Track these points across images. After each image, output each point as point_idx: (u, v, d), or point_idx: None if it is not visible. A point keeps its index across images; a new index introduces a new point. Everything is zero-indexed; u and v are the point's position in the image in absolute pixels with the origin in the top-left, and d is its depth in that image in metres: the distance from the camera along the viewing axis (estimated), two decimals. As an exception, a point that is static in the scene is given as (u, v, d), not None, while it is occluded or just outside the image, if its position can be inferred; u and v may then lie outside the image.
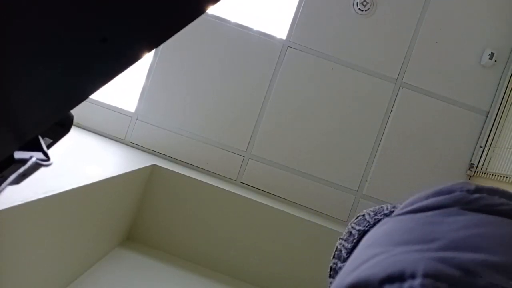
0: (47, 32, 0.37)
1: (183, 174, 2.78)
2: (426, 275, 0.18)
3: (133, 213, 2.69)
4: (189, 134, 3.21)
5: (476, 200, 0.24)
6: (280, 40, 3.18)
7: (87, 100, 0.49)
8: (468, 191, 0.25)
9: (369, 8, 3.12)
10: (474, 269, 0.19)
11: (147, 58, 3.22)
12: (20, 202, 1.17)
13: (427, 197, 0.26)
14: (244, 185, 3.17)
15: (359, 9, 3.12)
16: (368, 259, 0.22)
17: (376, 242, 0.24)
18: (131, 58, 0.43)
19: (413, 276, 0.19)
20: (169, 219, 2.74)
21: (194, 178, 2.77)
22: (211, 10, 3.16)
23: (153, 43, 0.43)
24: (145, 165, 2.59)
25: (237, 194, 2.78)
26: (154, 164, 2.74)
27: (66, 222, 1.60)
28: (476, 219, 0.23)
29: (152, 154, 3.18)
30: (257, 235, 2.74)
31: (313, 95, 3.17)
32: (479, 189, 0.25)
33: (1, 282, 1.24)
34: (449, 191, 0.26)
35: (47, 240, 1.48)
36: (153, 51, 2.38)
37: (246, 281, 2.72)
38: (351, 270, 0.22)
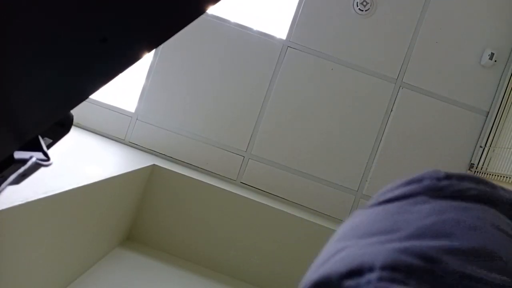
0: (47, 32, 0.37)
1: (183, 174, 2.78)
2: (384, 267, 0.18)
3: (133, 213, 2.69)
4: (189, 134, 3.21)
5: (445, 187, 0.24)
6: (280, 40, 3.18)
7: (87, 100, 0.49)
8: (437, 178, 0.25)
9: (369, 8, 3.12)
10: (433, 256, 0.18)
11: (147, 58, 3.22)
12: (20, 202, 1.17)
13: (398, 187, 0.26)
14: (244, 185, 3.17)
15: (359, 9, 3.12)
16: (334, 253, 0.22)
17: (344, 235, 0.24)
18: (131, 58, 0.43)
19: (371, 269, 0.18)
20: (169, 219, 2.74)
21: (194, 178, 2.77)
22: (211, 10, 3.16)
23: (153, 43, 0.43)
24: (145, 165, 2.59)
25: (237, 194, 2.78)
26: (154, 164, 2.74)
27: (66, 222, 1.60)
28: (443, 206, 0.22)
29: (152, 154, 3.18)
30: (257, 235, 2.74)
31: (313, 95, 3.17)
32: (448, 176, 0.25)
33: (1, 282, 1.24)
34: (418, 180, 0.25)
35: (47, 240, 1.48)
36: (153, 51, 2.38)
37: (246, 281, 2.72)
38: (318, 266, 0.21)
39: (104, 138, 3.16)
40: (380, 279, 0.17)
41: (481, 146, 3.10)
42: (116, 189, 2.13)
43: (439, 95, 3.13)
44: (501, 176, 2.77)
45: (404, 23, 3.14)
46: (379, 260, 0.19)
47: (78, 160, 2.03)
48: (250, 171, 3.18)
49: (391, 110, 3.15)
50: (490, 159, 3.00)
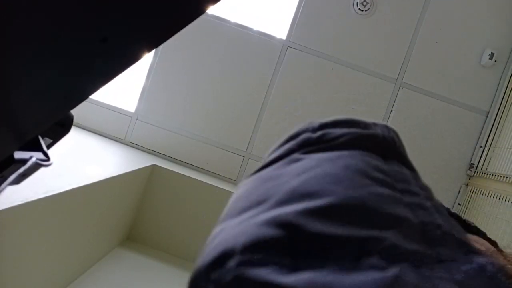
0: (47, 32, 0.37)
1: (183, 174, 2.78)
2: (244, 249, 0.16)
3: (133, 213, 2.68)
4: (189, 134, 3.21)
5: (319, 138, 0.22)
6: (280, 40, 3.18)
7: (87, 100, 0.49)
8: (312, 130, 0.23)
9: (369, 8, 3.11)
10: (295, 222, 0.16)
11: (147, 58, 3.22)
12: (20, 202, 1.17)
13: (278, 148, 0.23)
14: (244, 185, 3.17)
15: (359, 9, 3.12)
16: (212, 240, 0.19)
17: (224, 214, 0.22)
18: (131, 58, 0.43)
19: (231, 255, 0.16)
20: (169, 219, 2.74)
21: (194, 178, 2.77)
22: (211, 10, 3.16)
23: (153, 43, 0.43)
24: (145, 165, 2.59)
25: (237, 194, 2.78)
26: (154, 164, 2.74)
27: (66, 222, 1.60)
28: (313, 160, 0.20)
29: (152, 154, 3.18)
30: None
31: (313, 95, 3.17)
32: (322, 125, 0.23)
33: (2, 282, 1.24)
34: (295, 135, 0.23)
35: (47, 240, 1.48)
36: (153, 51, 2.38)
37: (246, 281, 2.72)
38: (198, 258, 0.20)
39: (104, 138, 3.16)
40: (240, 263, 0.16)
41: (481, 146, 3.10)
42: (116, 189, 2.13)
43: (439, 95, 3.13)
44: (501, 176, 2.77)
45: (404, 23, 3.13)
46: (240, 241, 0.17)
47: (78, 160, 2.03)
48: (250, 171, 3.18)
49: (391, 110, 3.15)
50: (490, 159, 3.00)
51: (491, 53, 3.04)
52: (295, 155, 0.22)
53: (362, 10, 3.12)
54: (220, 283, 0.16)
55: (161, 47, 3.15)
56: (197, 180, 2.77)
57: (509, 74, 3.08)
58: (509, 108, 3.01)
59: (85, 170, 1.86)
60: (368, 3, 3.11)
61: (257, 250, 0.16)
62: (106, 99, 3.23)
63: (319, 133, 0.22)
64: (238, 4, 3.24)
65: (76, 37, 0.38)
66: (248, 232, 0.17)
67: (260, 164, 0.24)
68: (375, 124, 0.23)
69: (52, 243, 1.54)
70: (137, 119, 3.23)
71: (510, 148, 2.83)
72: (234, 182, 3.17)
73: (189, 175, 2.79)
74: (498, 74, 3.12)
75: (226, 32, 3.20)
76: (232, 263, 0.16)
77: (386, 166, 0.21)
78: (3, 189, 0.49)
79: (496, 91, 3.12)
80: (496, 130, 3.06)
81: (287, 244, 0.16)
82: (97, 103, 3.21)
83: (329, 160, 0.20)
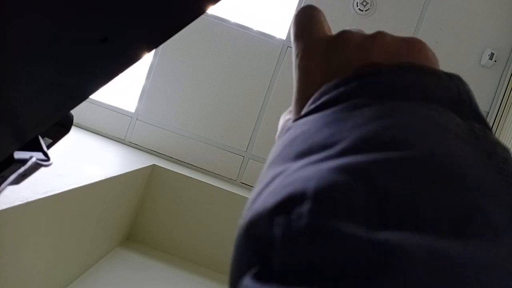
0: (47, 32, 0.37)
1: (183, 174, 2.78)
2: (317, 195, 0.14)
3: (133, 213, 2.69)
4: (189, 134, 3.21)
5: (387, 85, 0.20)
6: (280, 40, 3.18)
7: (87, 100, 0.49)
8: (378, 73, 0.20)
9: (369, 8, 3.12)
10: (376, 174, 0.15)
11: (147, 58, 3.22)
12: (20, 202, 1.17)
13: (335, 87, 0.21)
14: (244, 185, 3.17)
15: (359, 9, 3.12)
16: (267, 183, 0.18)
17: (277, 157, 0.20)
18: (131, 58, 0.43)
19: (302, 200, 0.15)
20: (169, 219, 2.75)
21: (194, 178, 2.77)
22: (211, 10, 3.16)
23: (153, 43, 0.43)
24: (145, 165, 2.59)
25: (237, 194, 2.78)
26: (154, 164, 2.74)
27: (66, 222, 1.60)
28: (386, 108, 0.18)
29: (152, 154, 3.18)
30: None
31: (313, 95, 3.17)
32: (389, 70, 0.21)
33: (1, 282, 1.24)
34: (358, 76, 0.21)
35: (47, 240, 1.49)
36: (153, 51, 2.38)
37: (246, 281, 2.72)
38: (251, 203, 0.18)
39: (104, 138, 3.16)
40: (313, 210, 0.14)
41: (481, 146, 3.10)
42: (116, 189, 2.13)
43: (439, 95, 3.13)
44: (501, 176, 2.77)
45: (404, 23, 3.14)
46: (311, 186, 0.15)
47: (78, 160, 2.03)
48: (250, 171, 3.18)
49: (391, 110, 3.15)
50: (490, 159, 3.00)
51: (491, 53, 3.04)
52: (360, 100, 0.19)
53: (362, 10, 3.12)
54: (290, 229, 0.14)
55: (161, 47, 3.15)
56: (197, 180, 2.77)
57: (509, 74, 3.09)
58: (509, 108, 3.01)
59: (85, 170, 1.86)
60: (368, 3, 3.11)
61: (332, 199, 0.14)
62: (106, 99, 3.23)
63: (387, 77, 0.20)
64: (238, 4, 3.24)
65: (76, 37, 0.38)
66: (318, 177, 0.15)
67: (310, 104, 0.22)
68: (448, 75, 0.21)
69: (52, 243, 1.54)
70: (137, 119, 3.23)
71: (510, 148, 2.83)
72: (234, 182, 3.17)
73: (189, 175, 2.79)
74: (498, 74, 3.12)
75: (226, 32, 3.20)
76: (304, 208, 0.14)
77: (465, 124, 0.18)
78: (3, 189, 0.49)
79: (496, 91, 3.12)
80: (496, 130, 3.06)
81: (365, 197, 0.14)
82: (97, 103, 3.21)
83: (405, 109, 0.18)
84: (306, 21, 0.26)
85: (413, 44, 0.25)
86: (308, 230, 0.14)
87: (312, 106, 0.21)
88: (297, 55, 0.26)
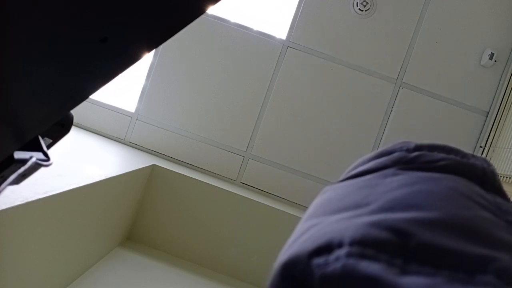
0: (47, 32, 0.37)
1: (183, 174, 2.78)
2: (353, 242, 0.17)
3: (133, 213, 2.68)
4: (189, 134, 3.21)
5: (415, 158, 0.23)
6: (280, 40, 3.18)
7: (87, 100, 0.49)
8: (407, 150, 0.24)
9: (369, 8, 3.11)
10: (405, 229, 0.17)
11: (147, 58, 3.22)
12: (20, 202, 1.17)
13: (368, 161, 0.25)
14: (244, 185, 3.17)
15: (359, 9, 3.12)
16: (304, 232, 0.20)
17: (314, 212, 0.23)
18: (131, 58, 0.43)
19: (340, 245, 0.17)
20: (169, 219, 2.74)
21: (194, 178, 2.77)
22: (211, 10, 3.16)
23: (153, 43, 0.43)
24: (145, 165, 2.59)
25: (237, 194, 2.78)
26: (154, 164, 2.74)
27: (66, 222, 1.60)
28: (414, 177, 0.21)
29: (152, 154, 3.18)
30: (257, 235, 2.74)
31: (313, 95, 3.17)
32: (418, 147, 0.24)
33: (1, 282, 1.24)
34: (389, 152, 0.24)
35: (47, 240, 1.48)
36: (153, 51, 2.38)
37: (246, 281, 2.72)
38: (288, 247, 0.20)
39: (104, 138, 3.16)
40: (350, 254, 0.16)
41: (481, 146, 3.10)
42: (116, 189, 2.13)
43: (439, 95, 3.13)
44: (501, 176, 2.77)
45: (404, 23, 3.13)
46: (348, 235, 0.17)
47: (78, 160, 2.03)
48: (250, 171, 3.18)
49: (391, 110, 3.15)
50: (490, 159, 3.00)
51: (491, 53, 3.04)
52: (391, 170, 0.22)
53: (362, 10, 3.12)
54: (326, 270, 0.16)
55: (161, 47, 3.15)
56: (197, 180, 2.77)
57: (509, 74, 3.08)
58: (509, 108, 3.01)
59: (85, 170, 1.86)
60: (368, 3, 3.11)
61: (368, 246, 0.17)
62: (106, 99, 3.23)
63: (415, 153, 0.23)
64: (238, 4, 3.24)
65: (76, 37, 0.38)
66: (355, 229, 0.18)
67: (345, 174, 0.25)
68: (473, 156, 0.24)
69: (52, 243, 1.54)
70: (137, 119, 3.23)
71: (510, 148, 2.83)
72: (234, 182, 3.17)
73: (189, 175, 2.79)
74: (498, 74, 3.12)
75: (226, 32, 3.20)
76: (341, 252, 0.17)
77: (488, 196, 0.21)
78: (3, 189, 0.49)
79: (496, 91, 3.12)
80: (496, 130, 3.06)
81: (397, 247, 0.17)
82: (97, 103, 3.21)
83: (431, 179, 0.21)
84: None
85: None
86: (344, 272, 0.16)
87: (348, 175, 0.25)
88: None
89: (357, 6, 3.12)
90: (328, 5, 3.15)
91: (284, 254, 0.20)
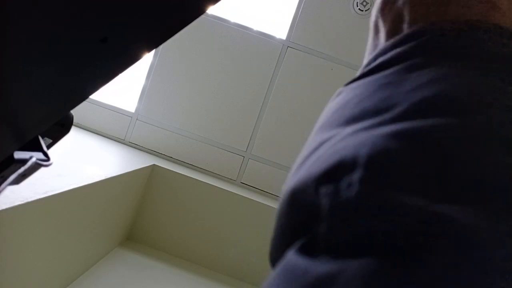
0: (47, 32, 0.37)
1: (183, 174, 2.78)
2: (369, 163, 0.13)
3: (133, 213, 2.68)
4: (189, 134, 3.21)
5: (451, 43, 0.17)
6: (280, 40, 3.18)
7: (87, 100, 0.49)
8: (441, 31, 0.18)
9: (369, 8, 3.11)
10: (435, 141, 0.13)
11: (147, 58, 3.21)
12: (20, 202, 1.17)
13: (391, 48, 0.19)
14: (244, 185, 3.17)
15: (359, 9, 3.12)
16: (313, 150, 0.16)
17: (326, 122, 0.18)
18: (131, 58, 0.43)
19: (353, 167, 0.13)
20: (169, 219, 2.74)
21: (194, 178, 2.77)
22: (211, 10, 3.16)
23: (153, 43, 0.43)
24: (145, 165, 2.59)
25: (237, 194, 2.78)
26: (154, 164, 2.74)
27: (66, 222, 1.60)
28: (448, 70, 0.16)
29: (152, 154, 3.18)
30: (257, 235, 2.74)
31: (313, 95, 3.17)
32: (455, 29, 0.18)
33: (1, 282, 1.24)
34: (416, 35, 0.18)
35: (47, 240, 1.48)
36: (153, 51, 2.38)
37: (246, 281, 2.72)
38: (297, 168, 0.16)
39: (104, 138, 3.16)
40: (365, 179, 0.13)
41: (481, 146, 3.10)
42: (116, 189, 2.13)
43: (439, 95, 3.13)
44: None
45: (404, 23, 3.13)
46: (363, 152, 0.13)
47: (78, 160, 2.03)
48: (250, 171, 3.18)
49: (391, 110, 3.15)
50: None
51: (491, 53, 3.04)
52: (418, 60, 0.17)
53: (362, 10, 3.12)
54: (337, 199, 0.13)
55: (161, 47, 3.15)
56: (197, 180, 2.77)
57: (509, 74, 3.09)
58: (509, 108, 3.01)
59: (85, 170, 1.86)
60: (368, 3, 3.11)
61: (387, 167, 0.13)
62: (106, 99, 3.23)
63: (451, 35, 0.18)
64: (238, 4, 3.24)
65: (76, 37, 0.38)
66: (371, 144, 0.13)
67: (362, 67, 0.20)
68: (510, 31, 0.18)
69: (52, 243, 1.54)
70: (137, 119, 3.23)
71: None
72: (234, 182, 3.17)
73: (189, 175, 2.79)
74: (498, 74, 3.12)
75: (226, 32, 3.20)
76: (354, 176, 0.13)
77: None
78: (3, 189, 0.49)
79: (496, 91, 3.12)
80: (496, 130, 3.05)
81: (425, 166, 0.13)
82: (97, 103, 3.21)
83: (466, 73, 0.16)
84: None
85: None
86: (360, 201, 0.12)
87: (367, 69, 0.19)
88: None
89: (357, 6, 3.12)
90: (328, 5, 3.15)
91: (291, 180, 0.16)
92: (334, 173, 0.14)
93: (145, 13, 0.39)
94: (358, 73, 0.20)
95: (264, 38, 3.19)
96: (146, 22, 0.40)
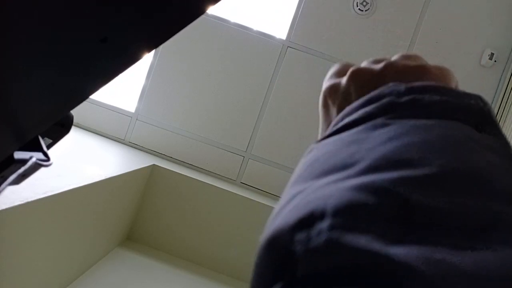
0: (47, 32, 0.37)
1: (183, 174, 2.78)
2: (336, 212, 0.15)
3: (133, 213, 2.69)
4: (189, 134, 3.21)
5: (406, 104, 0.20)
6: (280, 40, 3.18)
7: (87, 100, 0.49)
8: (397, 94, 0.20)
9: (369, 8, 3.11)
10: (395, 190, 0.15)
11: (147, 58, 3.21)
12: (20, 202, 1.17)
13: (357, 109, 0.21)
14: (244, 185, 3.17)
15: (359, 9, 3.12)
16: (288, 201, 0.18)
17: (299, 177, 0.20)
18: (131, 58, 0.43)
19: (322, 216, 0.15)
20: (169, 219, 2.75)
21: (194, 178, 2.77)
22: (211, 10, 3.16)
23: (153, 43, 0.43)
24: (145, 165, 2.59)
25: (237, 194, 2.78)
26: (154, 164, 2.74)
27: (66, 222, 1.60)
28: (404, 127, 0.19)
29: (152, 154, 3.18)
30: (257, 235, 2.73)
31: (313, 95, 3.17)
32: (409, 90, 0.20)
33: (1, 282, 1.24)
34: (378, 98, 0.21)
35: (47, 240, 1.49)
36: (153, 51, 2.38)
37: (246, 281, 2.72)
38: (273, 218, 0.18)
39: (104, 138, 3.16)
40: (333, 227, 0.14)
41: (481, 146, 3.10)
42: (116, 189, 2.13)
43: (439, 95, 3.13)
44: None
45: (404, 23, 3.13)
46: (331, 203, 0.15)
47: (78, 160, 2.03)
48: (250, 171, 3.18)
49: (391, 110, 3.15)
50: (490, 159, 3.00)
51: (491, 53, 3.04)
52: (379, 120, 0.20)
53: (362, 10, 3.12)
54: (309, 245, 0.14)
55: (161, 47, 3.14)
56: (197, 180, 2.77)
57: (509, 74, 3.08)
58: (509, 108, 3.01)
59: (85, 170, 1.86)
60: (368, 3, 3.11)
61: (352, 215, 0.15)
62: (106, 99, 3.23)
63: (405, 98, 0.20)
64: (238, 4, 3.24)
65: (76, 37, 0.38)
66: (338, 196, 0.15)
67: (331, 126, 0.22)
68: (467, 95, 0.21)
69: (52, 243, 1.54)
70: (137, 119, 3.23)
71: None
72: (234, 182, 3.17)
73: (189, 175, 2.79)
74: (498, 74, 3.12)
75: (226, 32, 3.20)
76: (323, 224, 0.15)
77: (487, 141, 0.19)
78: (3, 189, 0.49)
79: (496, 91, 3.12)
80: (496, 130, 3.05)
81: (385, 212, 0.14)
82: (97, 103, 3.21)
83: (423, 127, 0.18)
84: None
85: (423, 68, 0.26)
86: (328, 246, 0.14)
87: (335, 128, 0.22)
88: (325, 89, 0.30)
89: (357, 6, 3.12)
90: (328, 5, 3.15)
91: (268, 228, 0.18)
92: (307, 222, 0.15)
93: (145, 13, 0.39)
94: (327, 132, 0.22)
95: (264, 38, 3.19)
96: (146, 22, 0.40)
